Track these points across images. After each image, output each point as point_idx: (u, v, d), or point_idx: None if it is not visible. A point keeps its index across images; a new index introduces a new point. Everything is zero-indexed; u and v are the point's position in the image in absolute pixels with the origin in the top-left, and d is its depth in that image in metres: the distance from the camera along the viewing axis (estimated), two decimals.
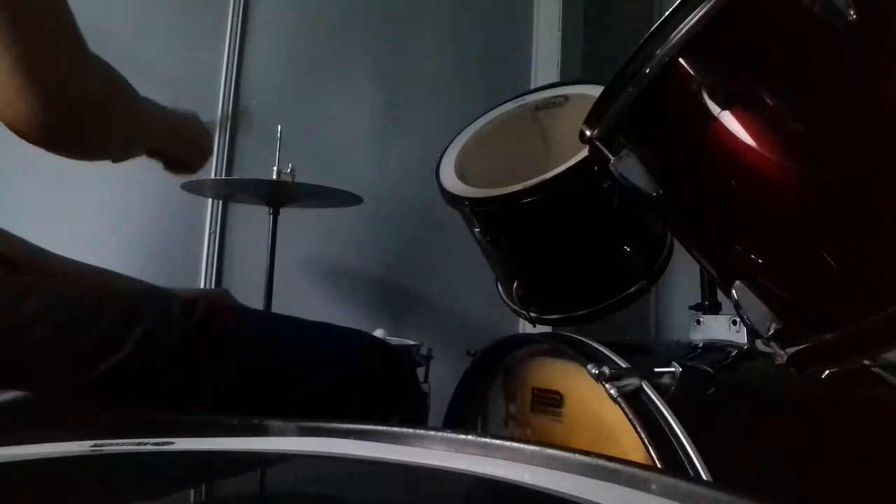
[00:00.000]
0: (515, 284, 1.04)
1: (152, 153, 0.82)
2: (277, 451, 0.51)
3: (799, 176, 0.57)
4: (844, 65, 0.55)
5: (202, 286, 1.74)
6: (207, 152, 0.89)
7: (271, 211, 1.52)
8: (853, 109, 0.56)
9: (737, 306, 0.62)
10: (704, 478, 0.69)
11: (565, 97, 1.15)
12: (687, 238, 0.72)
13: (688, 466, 0.70)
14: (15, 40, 0.55)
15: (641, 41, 0.59)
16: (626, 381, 0.78)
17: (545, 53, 2.21)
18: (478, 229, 1.03)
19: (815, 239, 0.57)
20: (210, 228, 1.77)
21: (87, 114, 0.62)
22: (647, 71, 0.59)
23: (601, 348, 0.88)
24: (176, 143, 0.83)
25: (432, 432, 0.48)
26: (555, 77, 2.14)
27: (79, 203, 1.61)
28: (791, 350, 0.61)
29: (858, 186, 0.55)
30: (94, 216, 1.63)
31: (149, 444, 0.47)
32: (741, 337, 0.97)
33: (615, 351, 0.87)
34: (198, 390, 0.71)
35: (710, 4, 0.54)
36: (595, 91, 0.97)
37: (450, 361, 1.28)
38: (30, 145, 0.60)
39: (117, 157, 0.71)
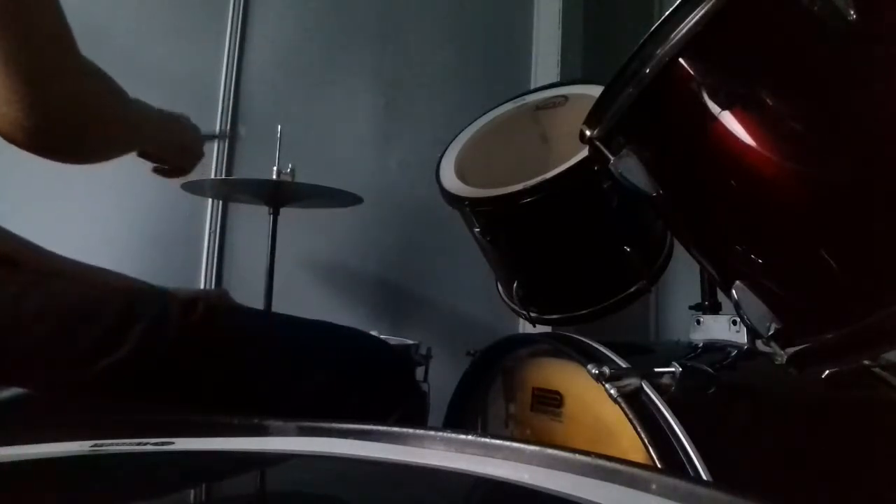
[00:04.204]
0: (515, 284, 1.04)
1: (143, 154, 0.82)
2: (277, 451, 0.51)
3: (799, 176, 0.57)
4: (844, 65, 0.55)
5: (202, 286, 1.74)
6: (198, 155, 0.89)
7: (271, 211, 1.52)
8: (853, 109, 0.56)
9: (737, 306, 0.62)
10: (704, 478, 0.69)
11: (565, 97, 1.15)
12: (687, 238, 0.72)
13: (688, 466, 0.70)
14: (6, 46, 0.54)
15: (641, 41, 0.59)
16: (626, 381, 0.78)
17: (545, 53, 2.21)
18: (478, 229, 1.03)
19: (814, 239, 0.57)
20: (210, 228, 1.77)
21: (77, 119, 0.62)
22: (647, 71, 0.59)
23: (601, 348, 0.88)
24: (166, 145, 0.82)
25: (432, 432, 0.48)
26: (555, 77, 2.14)
27: (78, 202, 1.60)
28: (791, 350, 0.61)
29: (858, 186, 0.55)
30: (94, 216, 1.63)
31: (149, 444, 0.47)
32: (741, 337, 0.97)
33: (615, 351, 0.87)
34: (196, 389, 0.71)
35: (710, 4, 0.54)
36: (595, 91, 0.97)
37: (450, 361, 1.28)
38: None
39: (107, 158, 0.71)
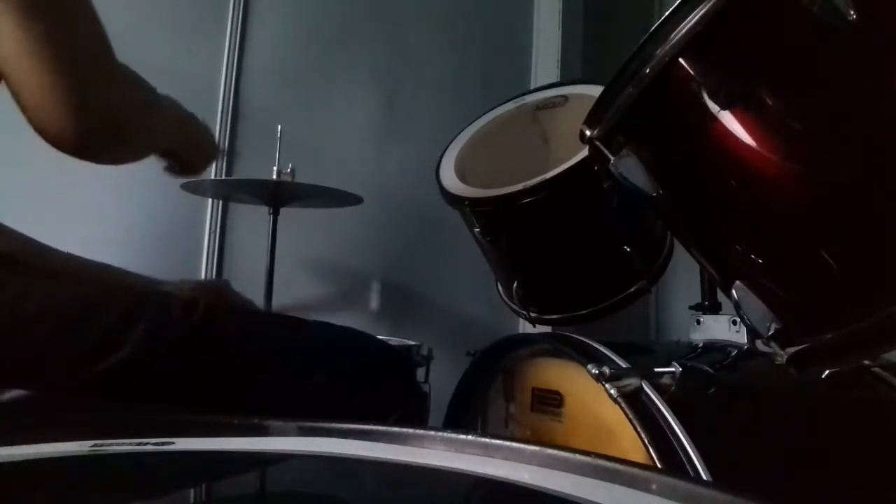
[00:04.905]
0: (515, 284, 1.04)
1: (162, 152, 0.82)
2: (277, 451, 0.51)
3: (799, 176, 0.57)
4: (844, 65, 0.55)
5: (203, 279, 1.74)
6: (213, 155, 0.89)
7: (271, 211, 1.52)
8: (853, 109, 0.56)
9: (737, 306, 0.62)
10: (704, 478, 0.69)
11: (565, 97, 1.15)
12: (687, 238, 0.72)
13: (688, 466, 0.70)
14: (52, 54, 0.56)
15: (641, 41, 0.59)
16: (626, 381, 0.78)
17: (545, 53, 2.21)
18: (478, 229, 1.03)
19: (815, 239, 0.57)
20: (210, 228, 1.77)
21: (119, 123, 0.64)
22: (647, 71, 0.59)
23: (601, 348, 0.88)
24: (186, 144, 0.83)
25: (432, 432, 0.48)
26: (555, 77, 2.14)
27: (79, 202, 1.60)
28: (791, 350, 0.61)
29: (858, 186, 0.55)
30: (94, 215, 1.63)
31: (149, 444, 0.47)
32: (741, 337, 0.97)
33: (615, 351, 0.87)
34: (197, 389, 0.71)
35: (710, 4, 0.54)
36: (595, 91, 0.97)
37: (450, 361, 1.28)
38: (30, 143, 0.60)
39: (139, 159, 0.73)
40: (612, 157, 0.67)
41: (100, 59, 0.61)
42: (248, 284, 1.56)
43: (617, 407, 0.76)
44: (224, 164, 1.79)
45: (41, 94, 0.56)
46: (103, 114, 0.61)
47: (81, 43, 0.59)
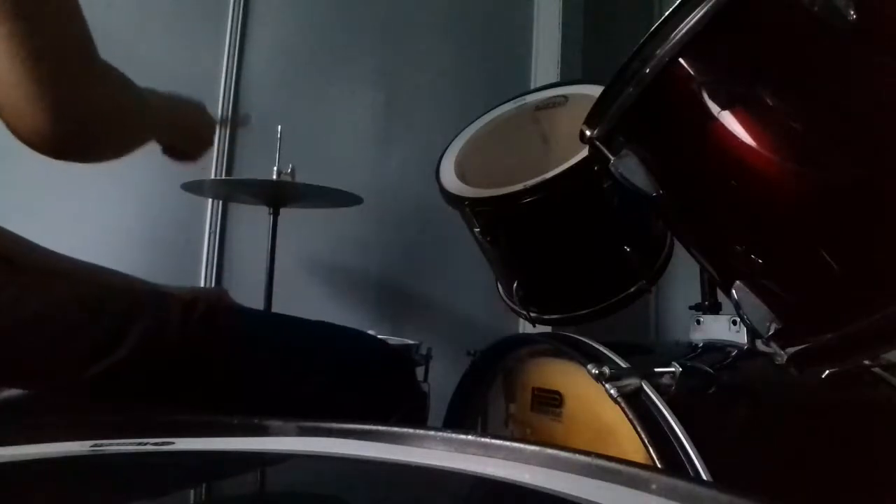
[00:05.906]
0: (515, 284, 1.04)
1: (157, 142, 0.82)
2: (277, 451, 0.51)
3: (799, 176, 0.57)
4: (844, 64, 0.55)
5: (202, 286, 1.74)
6: (207, 142, 0.89)
7: (271, 211, 1.52)
8: (853, 109, 0.56)
9: (737, 306, 0.62)
10: (704, 478, 0.69)
11: (565, 97, 1.15)
12: (687, 238, 0.72)
13: (688, 466, 0.70)
14: (31, 52, 0.54)
15: (641, 41, 0.59)
16: (626, 381, 0.78)
17: (545, 53, 2.21)
18: (478, 229, 1.03)
19: (814, 239, 0.57)
20: (210, 228, 1.77)
21: (97, 123, 0.62)
22: (647, 71, 0.59)
23: (601, 348, 0.88)
24: (175, 134, 0.83)
25: (432, 432, 0.48)
26: (555, 77, 2.14)
27: (78, 204, 1.60)
28: (791, 350, 0.61)
29: (858, 186, 0.55)
30: (94, 216, 1.63)
31: (149, 444, 0.47)
32: (741, 337, 0.97)
33: (615, 351, 0.87)
34: (197, 389, 0.71)
35: (710, 4, 0.54)
36: (595, 91, 0.97)
37: (450, 361, 1.28)
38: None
39: (121, 156, 0.72)
40: (612, 157, 0.67)
41: (79, 59, 0.59)
42: (248, 285, 1.57)
43: (617, 407, 0.76)
44: (224, 163, 1.79)
45: (16, 94, 0.55)
46: (80, 115, 0.59)
47: (60, 43, 0.57)
